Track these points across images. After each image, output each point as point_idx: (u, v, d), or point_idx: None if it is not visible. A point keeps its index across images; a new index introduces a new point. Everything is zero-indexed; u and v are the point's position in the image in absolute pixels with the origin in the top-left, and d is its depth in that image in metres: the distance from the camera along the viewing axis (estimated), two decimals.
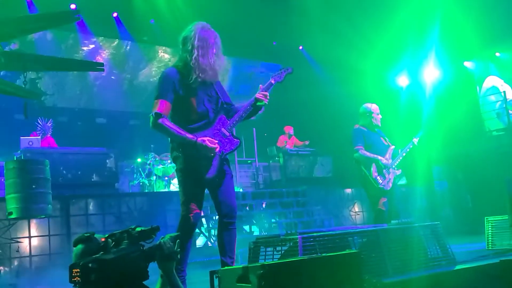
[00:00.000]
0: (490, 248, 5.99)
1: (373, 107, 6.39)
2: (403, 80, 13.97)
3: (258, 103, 3.92)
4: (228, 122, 3.86)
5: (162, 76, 3.79)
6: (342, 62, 12.07)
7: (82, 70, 9.56)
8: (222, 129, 3.83)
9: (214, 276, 2.80)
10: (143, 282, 2.36)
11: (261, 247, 4.14)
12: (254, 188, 11.02)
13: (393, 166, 6.15)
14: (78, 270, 2.20)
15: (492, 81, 12.69)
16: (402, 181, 12.76)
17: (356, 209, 10.80)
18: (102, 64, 7.12)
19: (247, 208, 9.15)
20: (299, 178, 10.83)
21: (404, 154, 6.31)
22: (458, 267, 4.43)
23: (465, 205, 11.60)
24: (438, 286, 4.03)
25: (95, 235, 2.46)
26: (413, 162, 10.40)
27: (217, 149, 3.68)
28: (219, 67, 3.85)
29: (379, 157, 6.08)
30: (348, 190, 10.84)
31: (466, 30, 11.11)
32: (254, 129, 11.53)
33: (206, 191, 3.88)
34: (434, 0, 10.70)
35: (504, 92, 12.01)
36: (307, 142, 11.47)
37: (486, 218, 6.21)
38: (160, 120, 3.59)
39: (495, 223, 6.08)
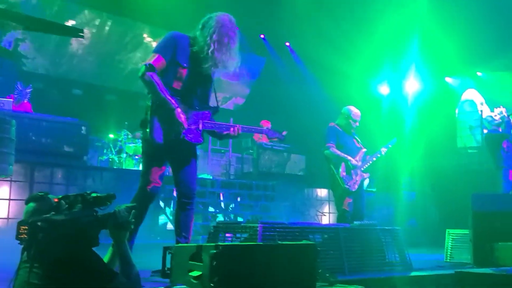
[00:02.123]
0: (448, 260, 6.06)
1: (355, 112, 6.39)
2: (384, 89, 14.09)
3: (230, 135, 3.95)
4: (209, 121, 3.86)
5: (170, 35, 3.79)
6: (327, 63, 12.11)
7: (62, 34, 9.37)
8: (200, 121, 3.80)
9: (167, 252, 2.77)
10: (93, 249, 2.31)
11: (221, 232, 4.11)
12: (225, 178, 10.98)
13: (362, 169, 6.18)
14: (26, 227, 2.14)
15: (471, 94, 12.89)
16: (372, 188, 12.89)
17: (324, 210, 10.85)
18: (82, 31, 6.97)
19: (215, 196, 9.10)
20: (271, 173, 10.81)
21: (371, 161, 6.34)
22: (413, 273, 4.47)
23: (430, 217, 11.75)
24: None
25: (49, 196, 2.39)
26: (384, 170, 10.52)
27: (183, 130, 3.65)
28: (231, 66, 3.85)
29: (349, 158, 6.11)
30: (318, 191, 10.89)
31: (447, 47, 11.29)
32: (231, 119, 11.46)
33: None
34: (414, 15, 10.81)
35: (479, 111, 12.21)
36: (285, 132, 11.43)
37: (448, 231, 6.28)
38: (150, 73, 3.55)
39: (456, 236, 6.15)
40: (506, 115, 7.35)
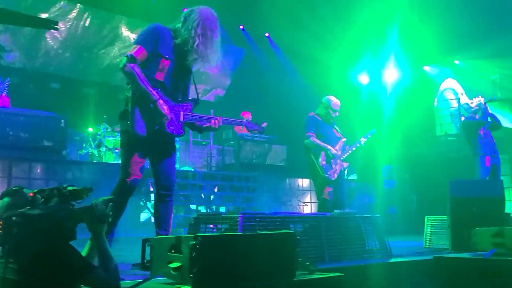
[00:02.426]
0: (427, 246, 6.16)
1: (335, 102, 6.40)
2: (364, 78, 14.17)
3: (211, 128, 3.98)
4: (190, 113, 3.87)
5: (153, 26, 3.78)
6: (307, 53, 12.14)
7: (35, 26, 9.16)
8: (182, 112, 3.81)
9: (146, 244, 2.76)
10: (70, 243, 2.29)
11: (202, 223, 4.11)
12: (206, 170, 10.96)
13: (341, 158, 6.22)
14: (1, 222, 2.11)
15: (450, 82, 13.04)
16: (353, 177, 13.00)
17: (306, 200, 10.91)
18: (56, 23, 6.87)
19: (197, 188, 9.08)
20: (252, 164, 10.82)
21: (351, 151, 6.37)
22: (393, 260, 4.53)
23: (410, 205, 11.91)
24: (371, 276, 4.12)
25: (24, 190, 2.36)
26: (364, 159, 10.61)
27: (165, 121, 3.63)
28: (214, 61, 3.86)
29: (329, 147, 6.14)
30: (299, 181, 10.93)
31: (425, 36, 11.40)
32: (212, 111, 11.43)
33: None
34: (393, 5, 10.88)
35: (459, 98, 12.37)
36: (264, 124, 11.42)
37: (427, 217, 6.38)
38: (131, 64, 3.53)
39: (434, 222, 6.25)
40: (483, 102, 7.45)
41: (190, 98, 3.98)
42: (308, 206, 10.81)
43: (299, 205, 10.68)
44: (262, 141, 11.18)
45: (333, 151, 6.14)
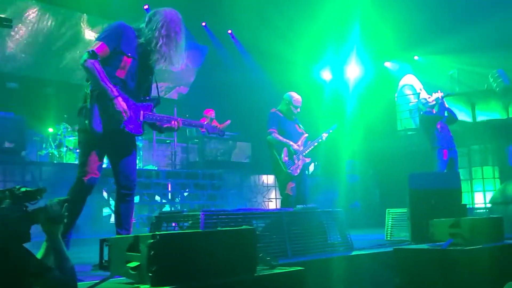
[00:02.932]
0: (388, 238, 6.29)
1: (296, 98, 6.44)
2: (326, 74, 14.33)
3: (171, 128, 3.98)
4: (151, 113, 3.86)
5: (117, 24, 3.73)
6: (269, 50, 12.19)
7: None
8: (142, 111, 3.79)
9: (104, 244, 2.72)
10: (24, 245, 2.24)
11: (163, 222, 4.08)
12: (171, 168, 10.89)
13: (303, 154, 6.27)
14: None
15: (409, 79, 13.31)
16: (316, 172, 13.14)
17: (271, 196, 10.97)
18: (10, 20, 6.69)
19: (161, 187, 9.01)
20: (217, 162, 10.81)
21: (313, 146, 6.42)
22: (354, 253, 4.60)
23: (373, 199, 12.13)
24: (333, 269, 4.18)
25: None
26: (327, 155, 10.74)
27: (124, 119, 3.59)
28: (177, 63, 3.87)
29: (291, 143, 6.18)
30: (264, 177, 10.98)
31: (385, 33, 11.61)
32: (175, 108, 11.38)
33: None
34: (353, 2, 11.05)
35: (418, 94, 12.63)
36: (228, 122, 11.40)
37: (388, 210, 6.51)
38: (92, 60, 3.47)
39: (395, 215, 6.39)
40: (440, 97, 7.64)
41: (151, 97, 3.96)
42: (273, 202, 10.87)
43: (264, 201, 10.73)
44: (227, 138, 11.18)
45: (295, 146, 6.19)
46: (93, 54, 3.49)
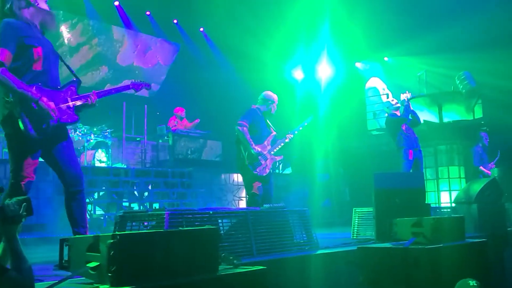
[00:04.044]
0: (355, 237, 6.37)
1: (275, 97, 6.45)
2: (298, 74, 14.41)
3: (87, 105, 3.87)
4: (77, 96, 3.78)
5: (5, 23, 3.56)
6: (241, 49, 12.20)
7: None
8: (68, 98, 3.72)
9: (64, 244, 2.70)
10: None
11: (128, 221, 4.06)
12: (140, 166, 10.80)
13: (272, 152, 6.25)
14: None
15: (373, 82, 13.48)
16: (287, 171, 13.21)
17: (241, 195, 10.97)
18: None
19: (129, 185, 8.92)
20: (187, 160, 10.76)
21: (283, 143, 6.39)
22: (319, 252, 4.65)
23: (344, 197, 12.27)
24: (298, 268, 4.22)
25: None
26: (299, 153, 10.82)
27: (55, 116, 3.54)
28: (49, 24, 3.80)
29: (252, 145, 6.06)
30: (235, 176, 10.98)
31: (356, 33, 11.74)
32: (145, 105, 11.29)
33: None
34: (323, 1, 11.14)
35: (380, 96, 12.81)
36: (197, 121, 11.40)
37: (354, 209, 6.59)
38: (1, 70, 3.37)
39: (361, 214, 6.47)
40: (406, 99, 7.80)
41: (71, 80, 3.85)
42: (243, 200, 10.88)
43: (234, 200, 10.74)
44: (197, 136, 11.14)
45: (256, 149, 6.06)
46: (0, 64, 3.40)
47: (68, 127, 3.94)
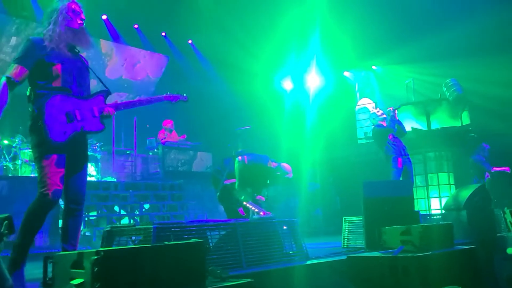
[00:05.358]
0: (345, 246, 6.37)
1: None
2: (288, 84, 14.46)
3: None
4: (106, 104, 3.88)
5: (29, 42, 3.71)
6: (231, 60, 12.25)
7: None
8: (94, 107, 3.79)
9: (48, 261, 2.68)
10: None
11: (115, 236, 4.03)
12: (131, 179, 10.75)
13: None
14: None
15: (364, 102, 13.55)
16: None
17: None
18: None
19: (119, 198, 8.87)
20: (178, 172, 10.74)
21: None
22: (309, 262, 4.64)
23: (334, 206, 12.26)
24: (288, 279, 4.20)
25: None
26: (289, 163, 10.80)
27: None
28: (85, 44, 3.95)
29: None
30: None
31: (344, 43, 11.83)
32: (135, 118, 11.26)
33: None
34: (313, 11, 11.22)
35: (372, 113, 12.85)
36: (183, 137, 11.40)
37: (344, 218, 6.60)
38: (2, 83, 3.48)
39: (351, 223, 6.47)
40: (392, 109, 7.90)
41: (101, 90, 3.97)
42: None
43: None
44: (188, 148, 11.13)
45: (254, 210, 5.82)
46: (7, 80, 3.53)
47: None
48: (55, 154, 3.56)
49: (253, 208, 5.70)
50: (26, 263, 3.51)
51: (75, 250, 3.57)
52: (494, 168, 9.75)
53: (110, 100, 4.08)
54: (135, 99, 4.22)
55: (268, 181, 6.34)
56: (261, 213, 5.54)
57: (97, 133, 3.89)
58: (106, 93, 3.95)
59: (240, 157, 6.04)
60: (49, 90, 3.60)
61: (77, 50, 3.92)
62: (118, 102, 4.01)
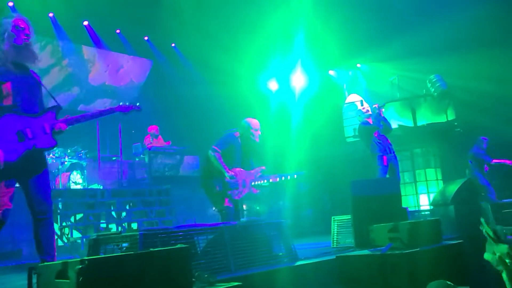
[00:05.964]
0: (334, 245, 6.36)
1: (256, 124, 6.13)
2: (273, 85, 14.46)
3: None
4: (57, 120, 3.85)
5: None
6: (214, 63, 12.19)
7: None
8: (46, 124, 3.78)
9: (33, 272, 2.64)
10: None
11: (102, 244, 3.98)
12: (117, 186, 10.66)
13: (252, 183, 6.02)
14: None
15: (352, 98, 13.60)
16: (266, 183, 13.15)
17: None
18: None
19: (106, 206, 8.79)
20: (165, 177, 10.66)
21: (263, 181, 6.21)
22: (298, 263, 4.63)
23: (324, 206, 12.27)
24: (276, 281, 4.19)
25: None
26: (277, 164, 10.80)
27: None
28: (29, 60, 3.89)
29: (226, 169, 5.83)
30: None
31: (328, 42, 11.85)
32: (120, 124, 11.17)
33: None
34: (296, 11, 11.22)
35: (358, 110, 12.90)
36: (168, 143, 11.34)
37: (333, 218, 6.59)
38: None
39: (340, 222, 6.47)
40: (377, 106, 7.92)
41: (51, 106, 3.94)
42: None
43: (214, 214, 10.65)
44: (174, 152, 11.07)
45: (229, 173, 5.83)
46: None
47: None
48: (5, 174, 3.59)
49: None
50: None
51: (53, 259, 3.54)
52: (494, 161, 9.86)
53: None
54: (87, 112, 4.12)
55: (250, 152, 6.23)
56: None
57: (50, 150, 3.92)
58: (57, 109, 3.94)
59: (211, 152, 5.92)
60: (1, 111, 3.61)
61: (27, 66, 3.89)
62: (69, 117, 3.94)
